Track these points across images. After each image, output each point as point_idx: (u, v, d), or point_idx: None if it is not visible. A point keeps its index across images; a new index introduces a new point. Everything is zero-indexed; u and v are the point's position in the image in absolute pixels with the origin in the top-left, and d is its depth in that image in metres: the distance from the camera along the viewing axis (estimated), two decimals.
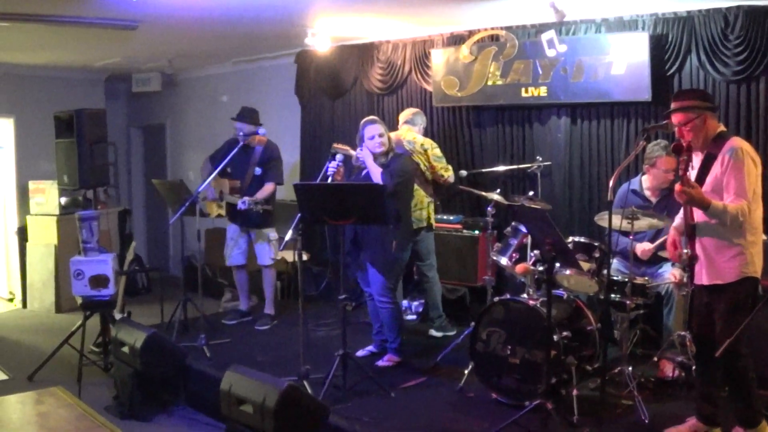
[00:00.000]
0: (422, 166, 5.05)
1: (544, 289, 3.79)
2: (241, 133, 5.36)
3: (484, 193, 5.12)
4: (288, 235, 4.10)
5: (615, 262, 4.37)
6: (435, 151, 5.10)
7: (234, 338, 5.27)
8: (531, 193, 4.91)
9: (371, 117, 4.49)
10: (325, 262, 6.65)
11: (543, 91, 5.25)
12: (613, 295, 4.00)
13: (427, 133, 5.53)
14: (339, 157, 4.34)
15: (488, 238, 5.08)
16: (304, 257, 5.06)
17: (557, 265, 3.82)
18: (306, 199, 3.97)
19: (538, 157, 5.40)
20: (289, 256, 5.97)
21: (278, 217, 5.70)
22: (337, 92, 6.76)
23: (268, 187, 5.40)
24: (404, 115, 5.29)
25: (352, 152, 4.39)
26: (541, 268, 4.10)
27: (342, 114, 6.81)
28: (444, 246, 5.57)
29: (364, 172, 4.40)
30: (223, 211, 5.47)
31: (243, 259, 5.68)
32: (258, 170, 5.46)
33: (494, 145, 5.75)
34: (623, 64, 4.84)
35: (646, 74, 4.74)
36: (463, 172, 5.67)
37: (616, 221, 3.71)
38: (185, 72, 8.37)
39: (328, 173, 4.28)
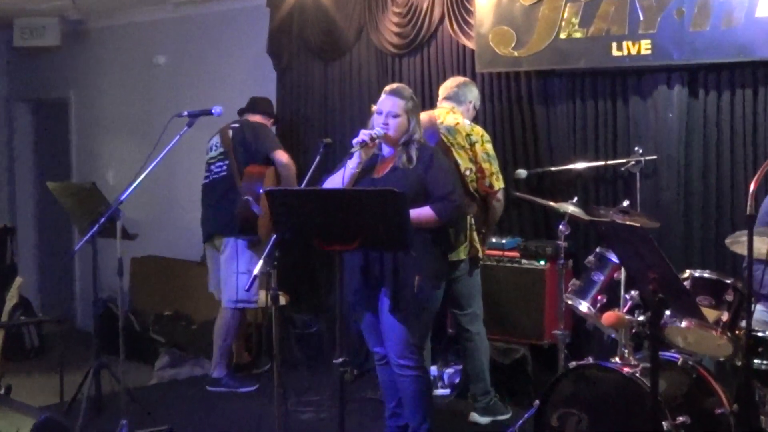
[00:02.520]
0: (463, 167, 5.04)
1: (647, 349, 3.74)
2: (218, 109, 5.50)
3: (553, 204, 5.11)
4: (257, 268, 4.10)
5: (759, 310, 4.32)
6: (487, 146, 5.10)
7: (177, 422, 5.27)
8: (626, 203, 4.90)
9: (398, 86, 4.55)
10: (316, 307, 6.64)
11: (645, 46, 5.26)
12: (757, 361, 3.94)
13: (477, 118, 5.56)
14: (357, 155, 4.38)
15: (560, 271, 5.05)
16: (282, 300, 5.04)
17: (667, 313, 3.78)
18: (285, 213, 3.97)
19: (636, 149, 5.39)
20: (260, 298, 5.97)
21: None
22: (333, 52, 6.82)
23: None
24: (446, 88, 5.31)
25: (373, 134, 4.41)
26: (641, 318, 4.07)
27: (340, 83, 6.84)
28: (493, 284, 5.57)
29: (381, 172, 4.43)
30: None
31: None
32: None
33: (569, 131, 5.76)
34: None
35: None
36: (522, 172, 5.66)
37: (761, 246, 3.69)
38: (99, 18, 8.45)
39: (345, 178, 4.35)
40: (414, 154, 4.38)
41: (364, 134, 4.34)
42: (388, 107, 4.40)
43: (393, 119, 4.38)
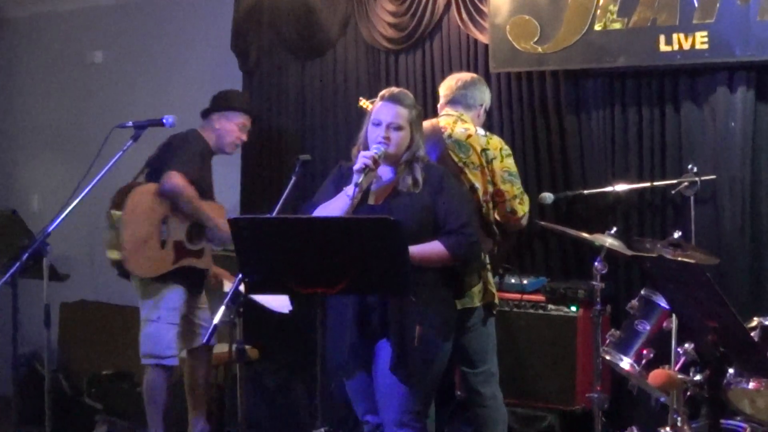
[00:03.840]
0: (481, 191, 5.04)
1: (705, 417, 3.73)
2: (170, 119, 5.38)
3: (586, 236, 5.11)
4: (218, 316, 4.10)
5: None
6: (507, 162, 5.08)
7: None
8: (677, 234, 4.90)
9: (399, 91, 4.53)
10: (292, 364, 6.61)
11: (701, 39, 5.30)
12: None
13: (491, 125, 5.57)
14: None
15: (595, 319, 5.03)
16: (250, 355, 5.01)
17: (731, 371, 3.78)
18: (252, 247, 3.98)
19: (690, 167, 5.40)
20: (222, 352, 5.95)
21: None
22: (313, 48, 6.86)
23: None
24: (449, 88, 5.27)
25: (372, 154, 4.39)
26: (698, 378, 4.05)
27: (321, 87, 6.86)
28: (512, 336, 5.59)
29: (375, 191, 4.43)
30: (205, 263, 5.72)
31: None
32: None
33: (606, 145, 5.79)
34: None
35: None
36: (548, 196, 5.67)
37: None
38: (17, 5, 8.43)
39: (347, 203, 4.29)
40: (419, 175, 4.37)
41: (364, 157, 4.26)
42: (388, 117, 4.36)
43: (395, 132, 4.35)
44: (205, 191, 5.64)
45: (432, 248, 4.28)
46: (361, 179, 4.22)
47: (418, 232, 4.11)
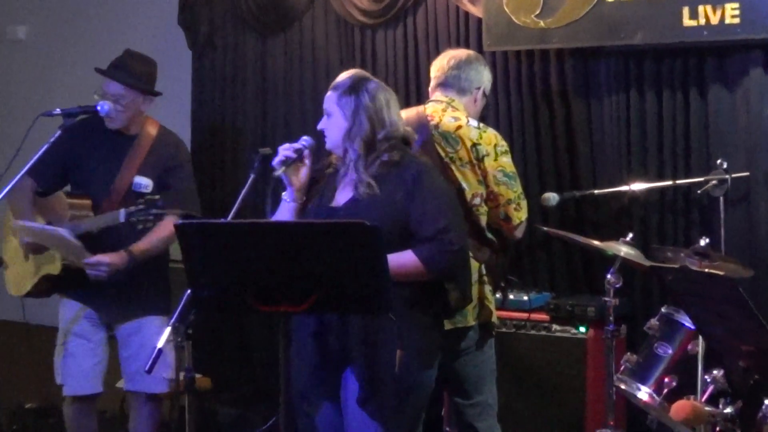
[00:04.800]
0: (470, 193, 5.01)
1: None
2: (106, 107, 5.35)
3: (597, 243, 5.13)
4: (162, 339, 4.09)
5: None
6: (503, 160, 5.03)
7: None
8: (705, 241, 4.91)
9: (345, 74, 4.53)
10: (250, 395, 6.60)
11: (732, 12, 5.32)
12: None
13: (484, 114, 5.55)
14: (286, 180, 4.37)
15: (608, 342, 5.06)
16: (201, 386, 4.99)
17: (766, 403, 3.76)
18: (203, 257, 3.97)
19: (719, 162, 5.43)
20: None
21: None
22: (275, 21, 6.89)
23: (167, 226, 5.38)
24: (440, 69, 5.21)
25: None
26: (728, 410, 4.05)
27: (285, 67, 6.90)
28: (512, 361, 5.61)
29: (341, 190, 4.43)
30: (55, 267, 5.46)
31: (98, 383, 5.66)
32: (142, 183, 5.56)
33: (620, 136, 5.82)
34: None
35: None
36: (552, 197, 5.68)
37: None
38: None
39: (290, 207, 4.34)
40: (364, 176, 4.33)
41: (284, 150, 4.35)
42: (329, 105, 4.45)
43: (325, 120, 4.44)
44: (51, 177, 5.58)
45: (403, 260, 4.25)
46: (280, 171, 4.34)
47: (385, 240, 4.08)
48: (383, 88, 4.45)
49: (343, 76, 4.52)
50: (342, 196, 4.42)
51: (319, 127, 4.44)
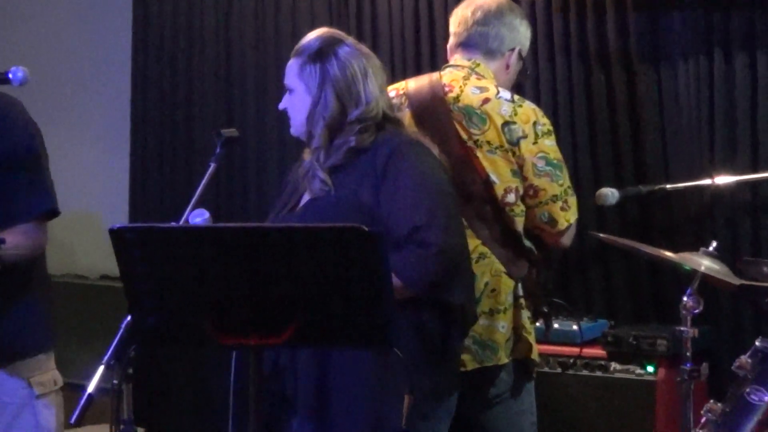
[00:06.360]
0: (502, 187, 4.98)
1: None
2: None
3: (670, 255, 5.06)
4: (93, 382, 4.06)
5: None
6: (544, 143, 4.99)
7: None
8: None
9: (310, 35, 4.55)
10: None
11: None
12: None
13: (522, 87, 5.57)
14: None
15: (684, 386, 4.99)
16: None
17: None
18: (147, 274, 3.93)
19: None
20: None
21: (61, 321, 5.64)
22: None
23: (24, 231, 5.37)
24: (461, 20, 5.21)
25: None
26: None
27: (255, 21, 6.93)
28: (557, 411, 5.64)
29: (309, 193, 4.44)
30: None
31: None
32: None
33: (700, 115, 5.83)
34: None
35: None
36: (610, 194, 5.65)
37: None
38: None
39: None
40: (318, 169, 4.40)
41: None
42: (291, 74, 4.50)
43: (287, 99, 4.49)
44: None
45: None
46: None
47: None
48: (360, 53, 4.48)
49: (310, 37, 4.56)
50: (304, 198, 4.49)
51: (281, 106, 4.51)
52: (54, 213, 5.21)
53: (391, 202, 4.29)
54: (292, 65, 4.47)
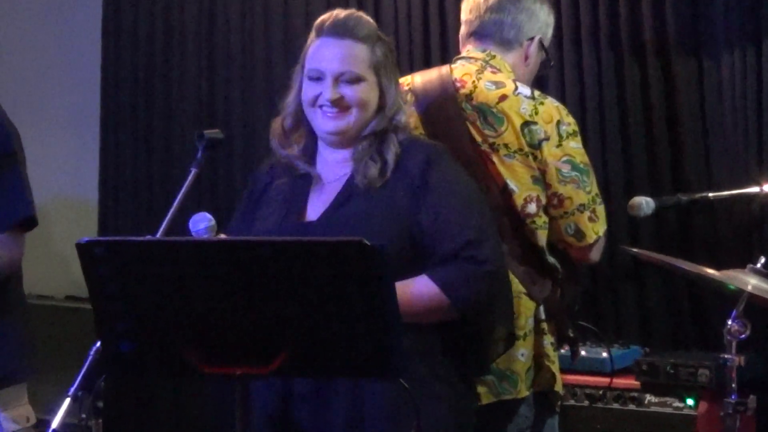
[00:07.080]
0: (521, 196, 4.96)
1: None
2: None
3: (713, 273, 5.04)
4: (58, 416, 4.04)
5: None
6: (570, 146, 4.99)
7: None
8: None
9: (347, 14, 4.52)
10: None
11: None
12: None
13: (542, 82, 5.56)
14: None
15: (729, 420, 4.98)
16: None
17: None
18: (120, 295, 3.91)
19: None
20: None
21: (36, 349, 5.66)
22: None
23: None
24: (474, 6, 5.21)
25: None
26: None
27: (242, 8, 6.96)
28: None
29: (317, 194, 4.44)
30: None
31: None
32: None
33: (748, 113, 5.83)
34: None
35: None
36: (646, 204, 5.63)
37: None
38: None
39: None
40: (391, 156, 4.39)
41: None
42: (335, 64, 4.40)
43: (349, 89, 4.39)
44: None
45: (414, 289, 4.27)
46: None
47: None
48: None
49: (344, 14, 4.50)
50: (318, 206, 4.46)
51: (334, 96, 4.34)
52: (32, 222, 5.23)
53: (438, 213, 4.30)
54: (358, 49, 4.41)
